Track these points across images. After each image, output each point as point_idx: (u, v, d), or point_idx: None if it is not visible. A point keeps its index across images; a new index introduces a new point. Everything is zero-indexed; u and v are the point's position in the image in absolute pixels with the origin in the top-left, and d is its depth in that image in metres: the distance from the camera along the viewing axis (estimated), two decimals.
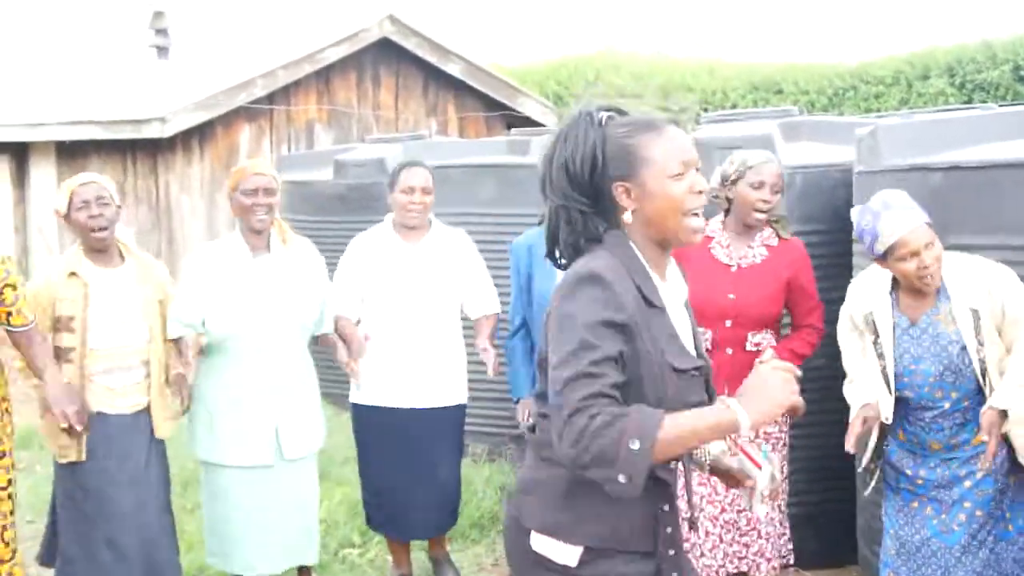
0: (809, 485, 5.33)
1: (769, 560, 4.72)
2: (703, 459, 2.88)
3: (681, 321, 2.76)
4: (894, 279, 4.05)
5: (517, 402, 5.11)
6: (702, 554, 4.66)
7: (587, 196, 2.67)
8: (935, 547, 4.07)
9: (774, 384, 2.47)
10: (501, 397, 6.92)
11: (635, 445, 2.37)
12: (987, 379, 3.90)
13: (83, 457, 4.57)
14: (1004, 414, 3.79)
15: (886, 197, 3.95)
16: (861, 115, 11.29)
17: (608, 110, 2.71)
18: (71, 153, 11.20)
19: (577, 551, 2.65)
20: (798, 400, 2.48)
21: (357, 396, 5.25)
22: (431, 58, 12.46)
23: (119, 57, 14.32)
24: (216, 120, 11.14)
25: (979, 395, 3.95)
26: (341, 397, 5.63)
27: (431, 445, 5.21)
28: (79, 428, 4.40)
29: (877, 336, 4.10)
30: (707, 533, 4.66)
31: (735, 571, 4.71)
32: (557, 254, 2.78)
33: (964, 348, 3.91)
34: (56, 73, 14.50)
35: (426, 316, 5.16)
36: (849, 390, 4.21)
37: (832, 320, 4.77)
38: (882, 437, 4.13)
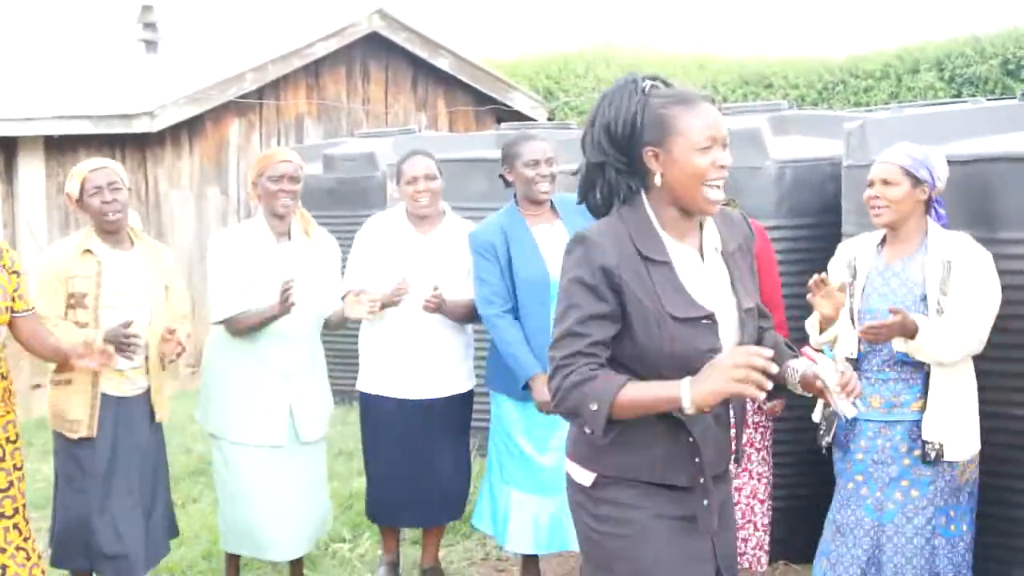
0: (799, 480, 5.35)
1: (768, 552, 4.74)
2: (792, 378, 3.01)
3: (702, 274, 2.97)
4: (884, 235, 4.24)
5: (525, 386, 4.89)
6: None
7: (624, 155, 2.94)
8: (867, 526, 4.15)
9: (723, 368, 2.65)
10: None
11: (594, 407, 2.77)
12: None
13: (94, 433, 4.70)
14: (912, 334, 3.94)
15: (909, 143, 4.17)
16: (850, 109, 11.31)
17: (654, 79, 2.96)
18: (60, 148, 11.16)
19: (591, 476, 3.01)
20: (743, 389, 2.62)
21: (365, 385, 5.28)
22: (421, 52, 12.45)
23: (108, 51, 14.28)
24: (205, 114, 11.11)
25: None
26: (338, 391, 5.63)
27: (439, 435, 5.21)
28: (135, 342, 4.57)
29: (855, 279, 4.25)
30: None
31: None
32: (590, 203, 3.03)
33: (924, 297, 4.04)
34: (44, 67, 14.44)
35: None
36: (807, 321, 4.43)
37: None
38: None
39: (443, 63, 12.60)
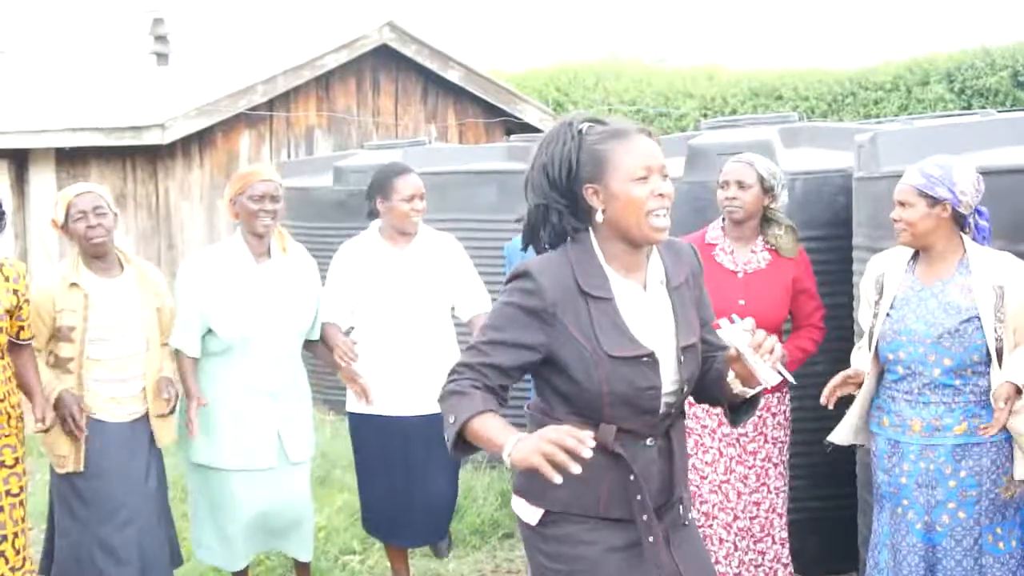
0: (811, 491, 5.33)
1: (786, 566, 4.73)
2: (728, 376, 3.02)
3: (645, 310, 2.96)
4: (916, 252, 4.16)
5: None
6: (717, 561, 4.65)
7: (564, 197, 2.94)
8: (921, 550, 4.09)
9: (536, 440, 2.58)
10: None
11: (451, 420, 2.80)
12: (1000, 358, 3.92)
13: (80, 468, 4.60)
14: (1019, 391, 3.82)
15: (936, 157, 4.08)
16: (860, 121, 11.29)
17: (590, 120, 2.98)
18: (71, 160, 11.20)
19: (538, 512, 2.99)
20: (541, 465, 2.53)
21: (353, 406, 5.23)
22: (430, 64, 12.46)
23: (119, 64, 14.32)
24: (216, 126, 11.13)
25: (971, 377, 3.99)
26: (342, 403, 5.63)
27: (429, 451, 5.18)
28: (80, 431, 4.47)
29: (880, 297, 4.18)
30: (721, 540, 4.67)
31: None
32: (537, 247, 3.03)
33: (971, 320, 3.94)
34: (56, 80, 14.49)
35: (418, 322, 5.13)
36: (855, 355, 4.33)
37: (831, 323, 4.81)
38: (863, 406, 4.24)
39: (453, 75, 12.62)
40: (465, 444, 2.82)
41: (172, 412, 4.86)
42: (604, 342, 2.87)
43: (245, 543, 5.02)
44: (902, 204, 4.02)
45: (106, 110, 11.73)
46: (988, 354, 3.95)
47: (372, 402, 5.05)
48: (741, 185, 4.64)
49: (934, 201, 3.96)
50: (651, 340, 2.93)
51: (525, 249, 3.09)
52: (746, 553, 4.69)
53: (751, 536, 4.69)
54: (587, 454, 2.54)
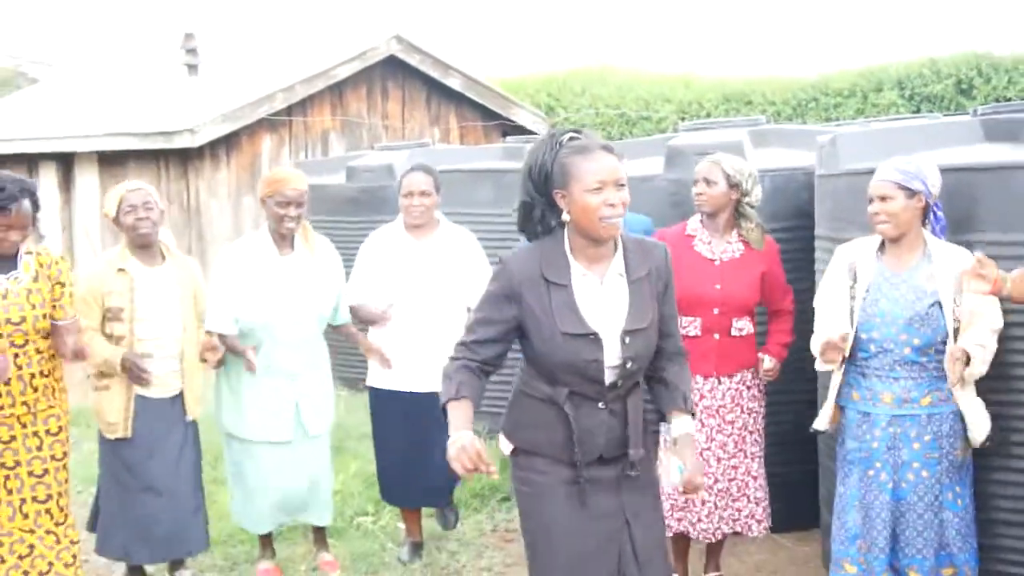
0: (778, 456, 5.32)
1: (760, 521, 4.77)
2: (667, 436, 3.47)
3: (598, 297, 3.21)
4: (883, 241, 4.18)
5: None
6: (699, 519, 4.71)
7: (543, 197, 3.21)
8: (890, 507, 4.12)
9: (454, 452, 3.06)
10: (503, 379, 6.90)
11: (442, 399, 3.24)
12: (956, 337, 3.98)
13: (129, 434, 4.71)
14: (967, 359, 3.89)
15: (900, 156, 4.12)
16: (822, 124, 11.26)
17: (572, 133, 3.20)
18: (111, 161, 11.17)
19: (510, 447, 3.39)
20: (456, 467, 3.05)
21: (373, 380, 5.25)
22: (434, 73, 12.42)
23: (154, 75, 14.29)
24: (241, 130, 11.10)
25: (935, 356, 4.03)
26: (357, 380, 5.61)
27: (441, 423, 5.17)
28: (147, 376, 4.61)
29: (855, 283, 4.17)
30: (703, 502, 4.69)
31: (730, 532, 4.78)
32: (528, 234, 3.31)
33: (935, 304, 3.99)
34: (98, 90, 14.45)
35: (434, 306, 5.13)
36: (814, 340, 4.30)
37: (795, 304, 4.80)
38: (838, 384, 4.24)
39: (454, 82, 12.58)
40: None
41: (221, 364, 4.90)
42: (558, 320, 3.16)
43: (269, 511, 5.05)
44: (883, 198, 4.03)
45: (142, 116, 11.71)
46: (947, 335, 4.00)
47: (391, 367, 5.08)
48: (708, 182, 4.65)
49: (911, 193, 4.01)
50: (598, 323, 3.18)
51: (521, 233, 3.34)
52: (724, 510, 4.73)
53: (729, 496, 4.71)
54: (490, 472, 3.03)
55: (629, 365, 3.21)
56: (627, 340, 3.19)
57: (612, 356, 3.19)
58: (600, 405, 3.23)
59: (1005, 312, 4.04)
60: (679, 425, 3.35)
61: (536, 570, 3.35)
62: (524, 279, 3.19)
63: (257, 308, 4.84)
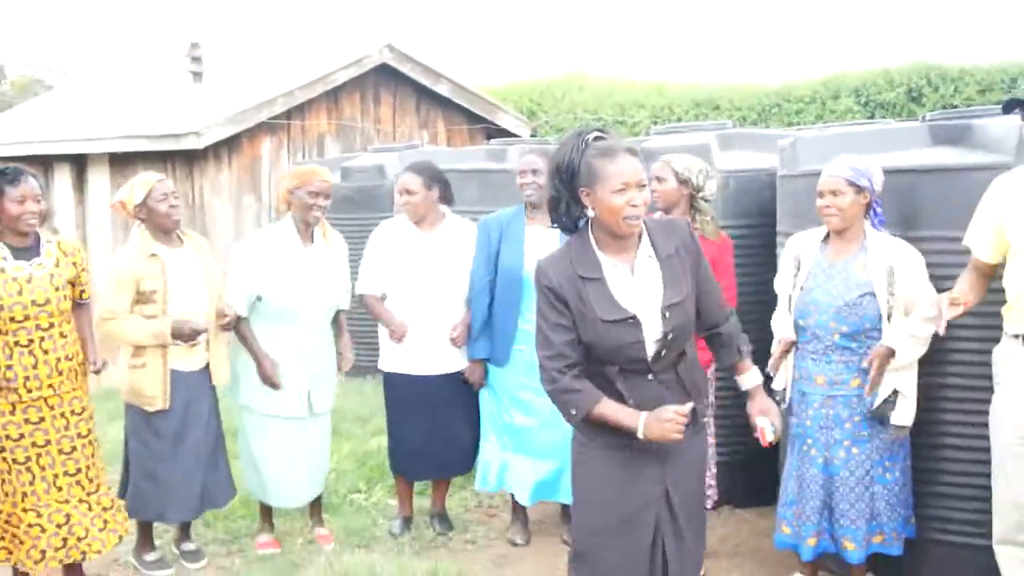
0: (741, 436, 5.33)
1: (709, 497, 4.77)
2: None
3: (631, 283, 3.19)
4: (827, 234, 4.24)
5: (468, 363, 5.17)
6: None
7: (569, 193, 3.18)
8: (821, 480, 4.22)
9: (666, 424, 3.04)
10: None
11: (574, 412, 3.19)
12: (889, 325, 4.04)
13: (167, 405, 4.76)
14: (892, 354, 3.95)
15: (848, 155, 4.16)
16: (784, 128, 11.29)
17: (598, 133, 3.18)
18: (122, 162, 11.11)
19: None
20: (675, 438, 3.06)
21: (386, 365, 5.28)
22: (423, 80, 12.40)
23: (161, 81, 14.23)
24: (242, 133, 11.05)
25: (865, 341, 4.09)
26: (355, 366, 5.61)
27: (449, 404, 5.21)
28: (198, 332, 4.72)
29: (798, 271, 4.26)
30: None
31: None
32: (559, 225, 3.28)
33: (868, 294, 4.05)
34: (109, 95, 14.38)
35: (440, 294, 5.15)
36: (774, 321, 4.41)
37: (758, 295, 4.80)
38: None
39: (442, 89, 12.55)
40: (589, 424, 3.20)
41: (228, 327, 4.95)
42: (597, 310, 3.14)
43: (284, 486, 5.10)
44: (833, 193, 4.09)
45: (151, 120, 11.66)
46: (880, 322, 4.06)
47: (403, 341, 5.13)
48: (659, 180, 4.71)
49: (859, 189, 4.09)
50: (635, 306, 3.16)
51: (553, 225, 3.32)
52: None
53: None
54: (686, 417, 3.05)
55: (670, 337, 3.18)
56: (667, 315, 3.17)
57: (654, 332, 3.17)
58: (649, 377, 3.21)
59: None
60: (747, 378, 3.41)
61: (577, 523, 3.38)
62: (563, 280, 3.17)
63: (283, 293, 4.91)
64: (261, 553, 5.12)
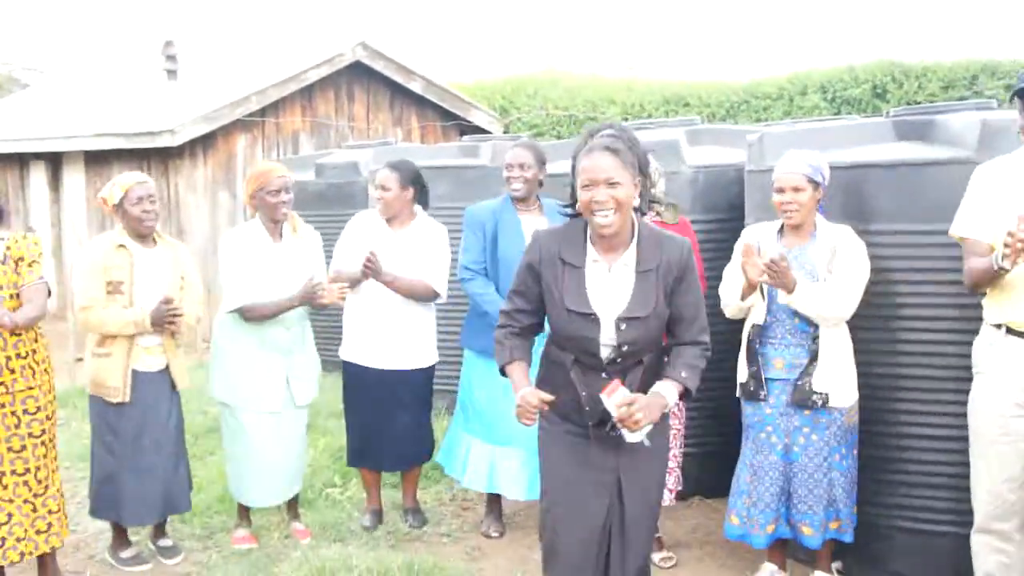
0: (710, 429, 5.35)
1: (672, 491, 4.78)
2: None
3: (605, 283, 3.25)
4: (782, 224, 4.30)
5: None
6: None
7: (572, 186, 3.26)
8: (780, 467, 4.26)
9: (519, 407, 3.22)
10: (460, 360, 6.88)
11: (498, 361, 3.44)
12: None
13: (127, 398, 4.68)
14: (791, 288, 4.07)
15: (801, 150, 4.21)
16: (752, 124, 11.32)
17: (604, 130, 3.23)
18: (97, 160, 11.05)
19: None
20: (523, 422, 3.23)
21: (347, 354, 5.25)
22: (397, 77, 12.37)
23: (136, 79, 14.13)
24: (217, 131, 11.00)
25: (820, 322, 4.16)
26: (327, 361, 5.59)
27: (405, 398, 5.20)
28: (180, 317, 4.66)
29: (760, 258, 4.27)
30: None
31: None
32: (571, 215, 3.37)
33: (813, 278, 4.13)
34: (84, 94, 14.27)
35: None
36: (721, 287, 4.47)
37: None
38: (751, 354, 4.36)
39: (415, 86, 12.53)
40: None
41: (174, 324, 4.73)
42: (566, 297, 3.24)
43: (264, 484, 5.07)
44: (795, 189, 4.13)
45: (126, 118, 11.58)
46: None
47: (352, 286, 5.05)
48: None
49: (817, 185, 4.11)
50: (599, 305, 3.23)
51: (565, 207, 3.42)
52: None
53: None
54: (545, 402, 3.19)
55: (625, 348, 3.23)
56: (622, 326, 3.21)
57: (608, 337, 3.23)
58: (603, 375, 3.26)
59: (896, 287, 4.18)
60: (664, 386, 3.26)
61: (542, 504, 3.51)
62: (546, 256, 3.28)
63: (256, 291, 4.87)
64: (237, 548, 5.08)
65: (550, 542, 3.43)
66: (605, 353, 3.25)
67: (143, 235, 4.74)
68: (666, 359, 3.37)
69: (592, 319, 3.21)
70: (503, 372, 3.42)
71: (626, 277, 3.25)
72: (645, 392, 3.26)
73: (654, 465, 3.44)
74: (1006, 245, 3.37)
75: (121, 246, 4.66)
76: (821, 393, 4.13)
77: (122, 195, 4.68)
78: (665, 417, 3.38)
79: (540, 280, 3.30)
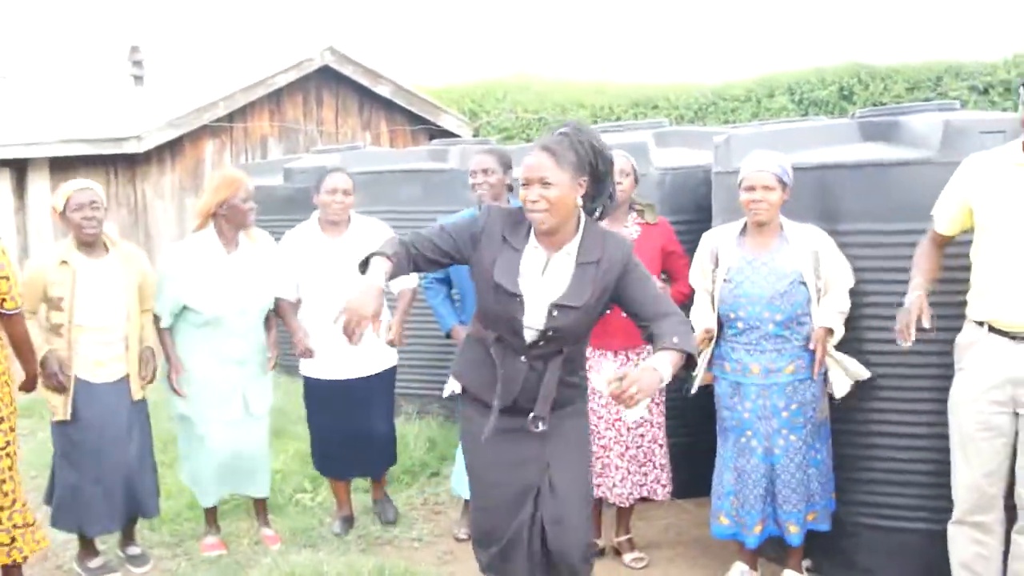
0: (684, 429, 5.37)
1: (664, 486, 4.82)
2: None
3: (540, 269, 3.28)
4: (744, 225, 4.30)
5: (448, 335, 5.11)
6: (615, 484, 4.76)
7: None
8: (762, 469, 4.29)
9: (360, 293, 3.12)
10: (429, 364, 6.85)
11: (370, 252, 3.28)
12: (817, 307, 4.17)
13: (68, 416, 4.61)
14: (831, 332, 4.11)
15: (766, 150, 4.25)
16: (721, 126, 11.38)
17: (565, 128, 3.32)
18: (63, 167, 10.93)
19: (458, 386, 3.59)
20: (350, 315, 3.12)
21: (305, 369, 5.22)
22: (365, 82, 12.34)
23: (102, 85, 14.03)
24: (184, 136, 10.93)
25: (796, 328, 4.18)
26: (293, 368, 5.57)
27: (366, 405, 5.20)
28: (63, 385, 4.54)
29: (716, 267, 4.31)
30: (616, 467, 4.76)
31: (640, 497, 4.82)
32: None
33: (796, 282, 4.14)
34: (49, 99, 14.14)
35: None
36: (693, 313, 4.42)
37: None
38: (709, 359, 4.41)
39: (384, 90, 12.50)
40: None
41: (152, 380, 4.87)
42: (496, 273, 3.25)
43: (215, 484, 5.06)
44: (765, 188, 4.15)
45: (92, 124, 11.49)
46: (809, 306, 4.18)
47: (314, 357, 5.07)
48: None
49: (784, 185, 4.12)
50: (528, 289, 3.27)
51: None
52: (634, 475, 4.78)
53: (637, 462, 4.77)
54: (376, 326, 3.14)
55: (550, 334, 3.28)
56: (555, 312, 3.25)
57: (535, 321, 3.27)
58: (522, 359, 3.32)
59: (863, 287, 4.22)
60: (658, 357, 3.09)
61: (471, 499, 3.66)
62: (491, 231, 3.30)
63: (209, 303, 4.82)
64: (207, 555, 5.06)
65: (478, 521, 3.59)
66: (529, 336, 3.29)
67: (87, 243, 4.65)
68: (653, 336, 3.22)
69: (517, 300, 3.25)
70: (366, 261, 3.25)
71: (566, 266, 3.29)
72: (562, 382, 3.34)
73: (581, 452, 3.53)
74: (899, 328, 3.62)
75: (64, 262, 4.57)
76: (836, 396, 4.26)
77: (64, 203, 4.61)
78: (585, 400, 3.52)
79: (475, 246, 3.31)
